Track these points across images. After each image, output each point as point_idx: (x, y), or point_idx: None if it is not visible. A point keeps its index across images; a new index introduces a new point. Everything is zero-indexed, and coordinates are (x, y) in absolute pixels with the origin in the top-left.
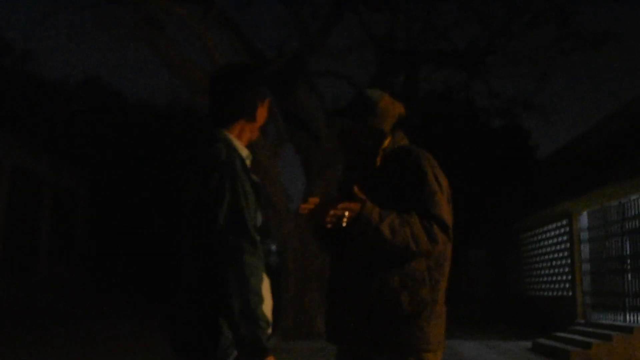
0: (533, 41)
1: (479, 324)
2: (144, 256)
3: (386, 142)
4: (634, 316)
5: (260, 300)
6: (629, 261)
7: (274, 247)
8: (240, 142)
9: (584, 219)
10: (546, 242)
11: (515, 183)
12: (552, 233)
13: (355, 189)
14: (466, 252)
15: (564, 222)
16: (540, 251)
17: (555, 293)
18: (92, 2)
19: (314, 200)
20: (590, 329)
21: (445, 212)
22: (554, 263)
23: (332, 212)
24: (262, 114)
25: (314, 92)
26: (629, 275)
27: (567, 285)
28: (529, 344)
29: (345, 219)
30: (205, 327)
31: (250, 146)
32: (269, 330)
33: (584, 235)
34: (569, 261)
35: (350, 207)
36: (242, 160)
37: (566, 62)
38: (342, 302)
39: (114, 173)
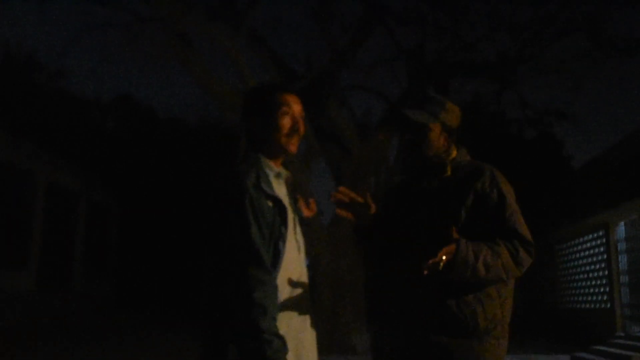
0: (564, 50)
1: (515, 337)
2: (175, 271)
3: (454, 153)
4: None
5: (265, 312)
6: None
7: (307, 262)
8: (273, 159)
9: (620, 230)
10: (582, 254)
11: (549, 194)
12: (589, 244)
13: (454, 230)
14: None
15: (601, 233)
16: (576, 263)
17: (592, 305)
18: (124, 22)
19: (344, 191)
20: (630, 342)
21: (527, 230)
22: (590, 275)
23: (430, 262)
24: (282, 122)
25: (344, 106)
26: None
27: (605, 298)
28: (567, 357)
29: (442, 264)
30: (213, 343)
31: (281, 162)
32: (278, 344)
33: (622, 246)
34: (606, 273)
35: (447, 251)
36: (260, 176)
37: (599, 71)
38: (403, 318)
39: (146, 188)
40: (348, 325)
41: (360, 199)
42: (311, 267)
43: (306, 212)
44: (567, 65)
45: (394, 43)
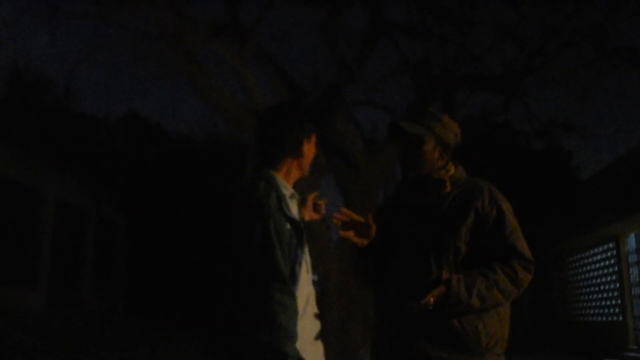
0: (571, 61)
1: (525, 351)
2: (185, 286)
3: (452, 170)
4: None
5: (290, 336)
6: None
7: (315, 278)
8: (287, 179)
9: (631, 241)
10: (593, 266)
11: (558, 206)
12: (599, 257)
13: (445, 273)
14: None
15: (611, 245)
16: (586, 275)
17: (604, 318)
18: (131, 40)
19: (346, 212)
20: None
21: (526, 247)
22: (601, 287)
23: (422, 302)
24: (309, 149)
25: (352, 121)
26: None
27: (617, 310)
28: None
29: (431, 305)
30: None
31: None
32: None
33: (632, 257)
34: (617, 285)
35: (437, 293)
36: (281, 198)
37: (606, 81)
38: (406, 334)
39: (155, 205)
40: (357, 341)
41: (361, 220)
42: (320, 283)
43: (313, 215)
44: (574, 76)
45: (400, 57)
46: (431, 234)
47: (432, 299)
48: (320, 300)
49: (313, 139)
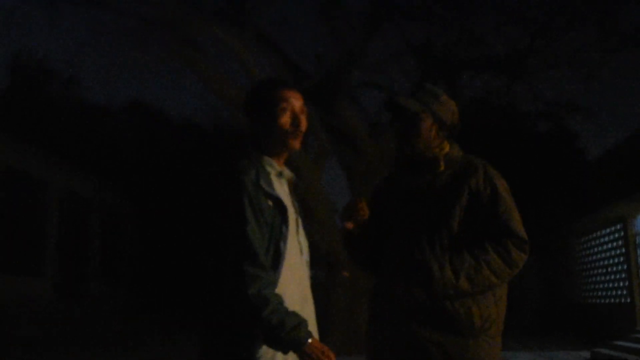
0: (575, 41)
1: (533, 334)
2: (191, 274)
3: (447, 148)
4: None
5: (266, 303)
6: None
7: (306, 258)
8: (275, 158)
9: (639, 223)
10: (600, 248)
11: (564, 188)
12: (606, 238)
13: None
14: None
15: (618, 226)
16: (594, 257)
17: (612, 300)
18: (131, 27)
19: (355, 205)
20: None
21: (521, 226)
22: (609, 269)
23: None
24: (280, 119)
25: (355, 104)
26: None
27: (625, 292)
28: (586, 353)
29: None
30: (210, 344)
31: (292, 161)
32: (291, 319)
33: None
34: (625, 267)
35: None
36: (260, 175)
37: (611, 62)
38: (399, 315)
39: (160, 193)
40: (364, 324)
41: (360, 206)
42: (327, 267)
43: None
44: (578, 57)
45: (402, 39)
46: (424, 213)
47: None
48: (327, 285)
49: (279, 111)
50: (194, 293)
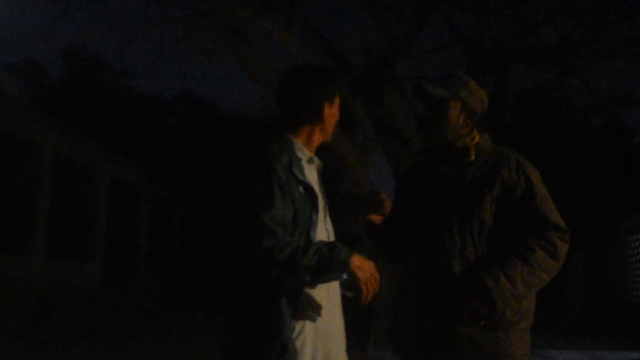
0: (630, 32)
1: (581, 333)
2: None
3: (477, 137)
4: None
5: (302, 250)
6: None
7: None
8: (307, 144)
9: None
10: None
11: (619, 183)
12: None
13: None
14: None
15: None
16: None
17: None
18: (179, 18)
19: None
20: None
21: (559, 216)
22: None
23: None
24: (331, 114)
25: (403, 96)
26: None
27: None
28: (636, 354)
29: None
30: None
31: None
32: (319, 248)
33: None
34: None
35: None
36: (292, 161)
37: None
38: (429, 307)
39: (208, 183)
40: (384, 321)
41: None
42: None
43: (377, 218)
44: (633, 49)
45: (451, 30)
46: (454, 204)
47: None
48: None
49: (336, 102)
50: (222, 281)
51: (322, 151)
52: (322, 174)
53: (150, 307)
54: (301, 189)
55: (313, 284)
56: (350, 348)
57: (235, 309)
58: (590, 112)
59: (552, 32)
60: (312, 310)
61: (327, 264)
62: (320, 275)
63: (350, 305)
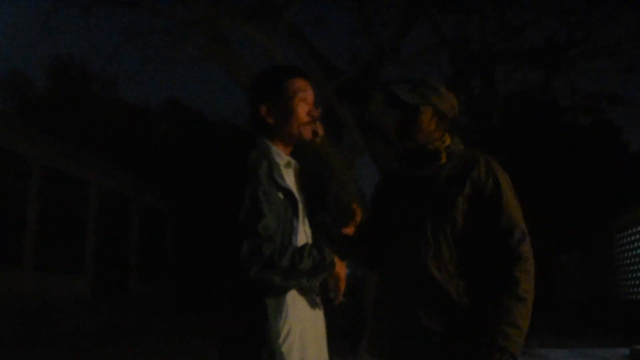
0: (615, 32)
1: (573, 331)
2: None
3: (448, 140)
4: None
5: (269, 265)
6: None
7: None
8: (281, 147)
9: None
10: None
11: (608, 182)
12: None
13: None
14: (557, 254)
15: None
16: (635, 252)
17: None
18: (164, 27)
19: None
20: None
21: (522, 217)
22: None
23: None
24: (297, 111)
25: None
26: None
27: None
28: (627, 351)
29: None
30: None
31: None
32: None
33: None
34: None
35: None
36: (272, 167)
37: None
38: (405, 310)
39: (198, 191)
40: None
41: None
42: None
43: (350, 230)
44: (619, 48)
45: (437, 33)
46: (428, 206)
47: None
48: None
49: (289, 98)
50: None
51: (309, 157)
52: (311, 181)
53: (142, 318)
54: (281, 195)
55: (309, 285)
56: (342, 353)
57: (223, 317)
58: (577, 112)
59: (537, 33)
60: (297, 315)
61: (321, 265)
62: (316, 276)
63: (340, 310)
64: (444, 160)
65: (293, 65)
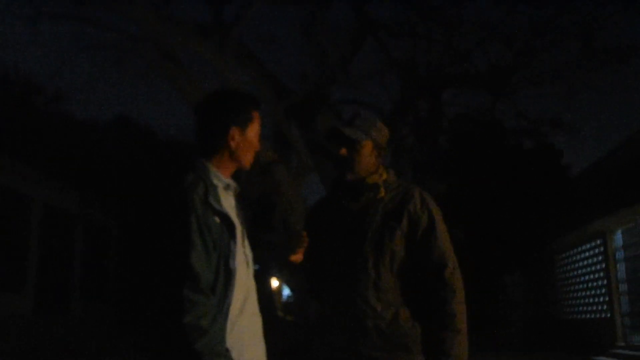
0: (557, 59)
1: (517, 349)
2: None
3: (384, 174)
4: None
5: (202, 333)
6: None
7: (256, 267)
8: (222, 170)
9: (618, 238)
10: (581, 263)
11: (549, 204)
12: (587, 253)
13: None
14: (501, 275)
15: (598, 241)
16: (575, 272)
17: (592, 315)
18: (114, 42)
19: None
20: (631, 352)
21: (452, 249)
22: (590, 284)
23: None
24: (243, 141)
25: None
26: None
27: (605, 307)
28: None
29: None
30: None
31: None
32: None
33: (620, 254)
34: (605, 282)
35: None
36: (209, 190)
37: (593, 78)
38: (344, 338)
39: (145, 209)
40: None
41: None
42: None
43: (298, 258)
44: (561, 74)
45: (385, 56)
46: (368, 238)
47: None
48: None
49: (252, 130)
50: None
51: (255, 177)
52: (257, 200)
53: (86, 336)
54: (217, 219)
55: None
56: None
57: (157, 335)
58: (521, 135)
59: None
60: (236, 335)
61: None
62: None
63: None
64: (382, 194)
65: (253, 93)
